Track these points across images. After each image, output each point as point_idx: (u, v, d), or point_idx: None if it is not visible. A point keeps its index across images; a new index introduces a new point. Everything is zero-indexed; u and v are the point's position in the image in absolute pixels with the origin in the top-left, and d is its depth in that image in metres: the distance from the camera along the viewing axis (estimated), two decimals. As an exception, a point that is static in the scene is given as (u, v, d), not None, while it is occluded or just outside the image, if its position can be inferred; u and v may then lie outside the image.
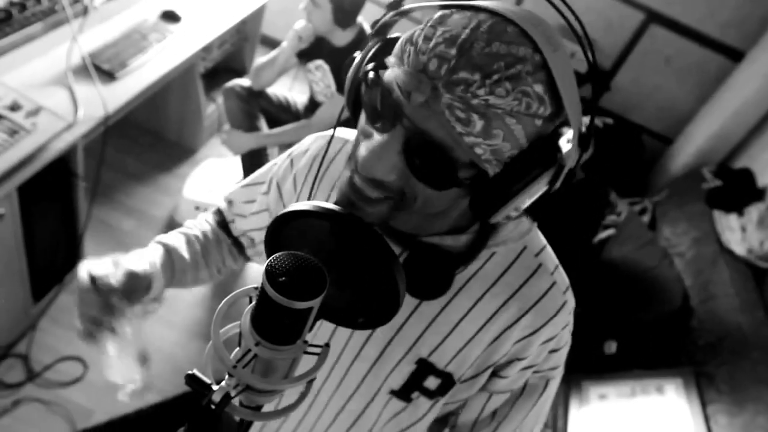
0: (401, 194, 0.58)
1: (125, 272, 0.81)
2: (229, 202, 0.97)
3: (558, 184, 0.57)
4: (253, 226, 0.93)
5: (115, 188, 2.57)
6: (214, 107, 2.86)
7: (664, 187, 2.91)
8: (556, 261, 0.75)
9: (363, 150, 0.56)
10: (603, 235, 2.62)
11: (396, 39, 0.60)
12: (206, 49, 2.47)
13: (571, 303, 0.74)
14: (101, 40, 2.07)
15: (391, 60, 0.57)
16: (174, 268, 0.91)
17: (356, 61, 0.61)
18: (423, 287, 0.64)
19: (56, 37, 2.00)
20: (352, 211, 0.57)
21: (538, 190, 0.56)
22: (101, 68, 1.95)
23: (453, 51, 0.51)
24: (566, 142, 0.56)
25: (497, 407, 0.79)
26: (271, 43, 3.09)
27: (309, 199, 0.77)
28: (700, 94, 3.06)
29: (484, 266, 0.70)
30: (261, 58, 2.37)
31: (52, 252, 1.99)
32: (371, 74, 0.57)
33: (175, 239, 0.93)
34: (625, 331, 2.23)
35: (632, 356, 2.15)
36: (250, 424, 0.60)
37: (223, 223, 0.99)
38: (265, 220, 0.90)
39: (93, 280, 0.78)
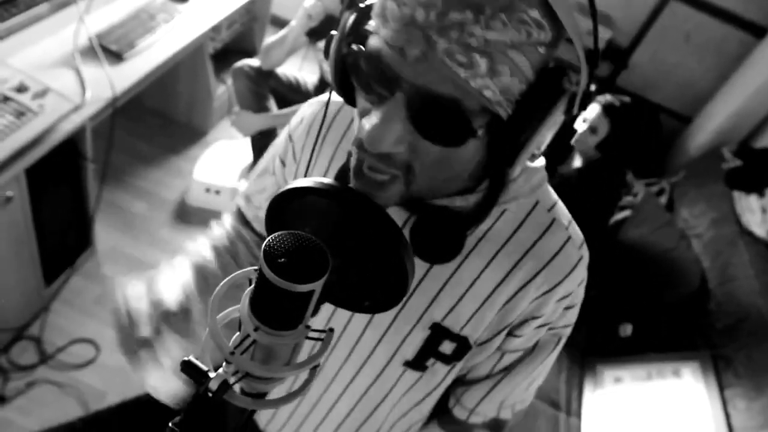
0: (409, 168, 0.55)
1: (161, 312, 0.79)
2: (247, 198, 0.94)
3: (575, 110, 0.54)
4: None
5: (125, 171, 2.57)
6: (223, 88, 2.83)
7: (682, 167, 2.84)
8: (569, 216, 0.72)
9: (366, 125, 0.53)
10: (619, 216, 2.57)
11: (370, 6, 0.56)
12: (215, 29, 2.43)
13: (586, 257, 0.72)
14: (108, 20, 2.04)
15: (372, 24, 0.53)
16: (206, 288, 0.88)
17: (335, 38, 0.57)
18: (434, 251, 0.62)
19: (63, 18, 1.97)
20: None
21: (556, 121, 0.53)
22: (109, 49, 1.93)
23: None
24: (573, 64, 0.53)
25: (508, 365, 0.79)
26: (281, 23, 3.04)
27: (309, 168, 0.74)
28: (721, 72, 2.97)
29: (496, 224, 0.67)
30: (270, 37, 2.33)
31: (62, 235, 1.99)
32: (354, 47, 0.54)
33: (205, 254, 0.90)
34: (641, 314, 2.20)
35: (648, 339, 2.11)
36: (253, 411, 0.58)
37: (245, 220, 0.96)
38: None
39: (128, 312, 0.77)
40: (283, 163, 0.83)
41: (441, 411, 0.88)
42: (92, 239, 2.14)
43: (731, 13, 2.85)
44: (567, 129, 0.55)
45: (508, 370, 0.79)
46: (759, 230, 2.20)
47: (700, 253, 2.27)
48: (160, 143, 2.75)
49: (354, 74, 0.54)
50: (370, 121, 0.52)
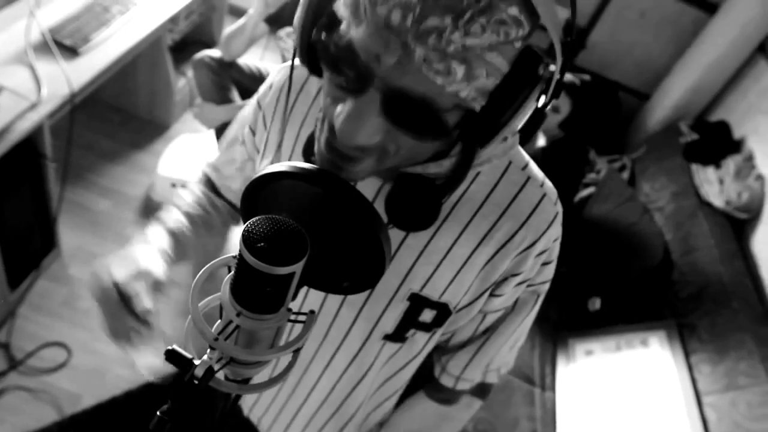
0: (383, 149, 0.55)
1: (152, 282, 0.75)
2: (215, 168, 0.93)
3: (548, 97, 0.54)
4: (243, 183, 0.89)
5: (88, 169, 2.51)
6: (184, 81, 2.78)
7: (642, 143, 2.92)
8: (542, 174, 0.73)
9: (338, 116, 0.52)
10: (584, 193, 2.63)
11: None
12: (173, 20, 2.38)
13: (561, 213, 0.73)
14: (61, 14, 1.98)
15: (341, 9, 0.51)
16: (183, 254, 0.87)
17: (301, 13, 0.54)
18: (410, 219, 0.61)
19: (12, 13, 1.91)
20: (335, 172, 0.54)
21: (528, 109, 0.53)
22: (63, 44, 1.87)
23: None
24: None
25: (490, 325, 0.79)
26: (239, 13, 3.00)
27: (280, 136, 0.74)
28: (676, 48, 3.05)
29: (470, 188, 0.68)
30: (229, 27, 2.30)
31: (25, 237, 1.94)
32: (324, 36, 0.52)
33: (178, 221, 0.88)
34: (609, 288, 2.26)
35: (616, 312, 2.17)
36: (238, 396, 0.58)
37: (214, 188, 0.95)
38: (251, 170, 0.87)
39: (119, 291, 0.72)
40: (252, 131, 0.82)
41: (427, 380, 0.89)
42: (57, 240, 2.09)
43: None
44: (538, 115, 0.55)
45: (490, 331, 0.80)
46: (717, 201, 2.27)
47: (663, 226, 2.34)
48: (121, 139, 2.69)
49: (325, 63, 0.53)
50: (343, 114, 0.51)
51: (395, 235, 0.65)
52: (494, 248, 0.69)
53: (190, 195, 0.94)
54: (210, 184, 0.95)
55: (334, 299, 0.74)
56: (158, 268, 0.77)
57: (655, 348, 1.97)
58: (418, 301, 0.71)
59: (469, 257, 0.69)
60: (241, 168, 0.88)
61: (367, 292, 0.71)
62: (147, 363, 0.75)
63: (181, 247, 0.86)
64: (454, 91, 0.48)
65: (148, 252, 0.79)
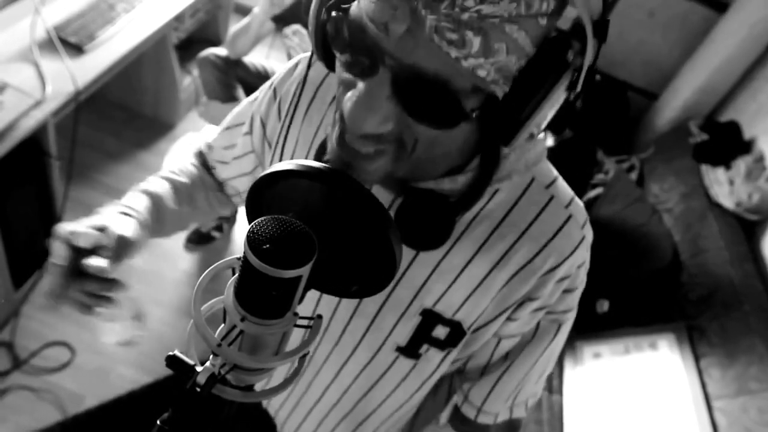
0: (400, 142, 0.51)
1: (116, 239, 0.67)
2: (209, 147, 0.89)
3: (579, 87, 0.48)
4: (236, 172, 0.86)
5: (93, 167, 2.50)
6: (190, 80, 2.77)
7: (651, 143, 2.89)
8: (571, 192, 0.68)
9: (348, 103, 0.48)
10: (592, 194, 2.60)
11: None
12: (178, 18, 2.37)
13: (590, 237, 0.68)
14: (66, 11, 1.97)
15: None
16: (160, 220, 0.81)
17: (314, 1, 0.52)
18: (421, 237, 0.58)
19: (18, 10, 1.90)
20: (348, 171, 0.51)
21: (557, 100, 0.48)
22: (68, 41, 1.86)
23: None
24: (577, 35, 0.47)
25: (508, 351, 0.75)
26: (245, 11, 2.98)
27: (298, 133, 0.70)
28: (685, 48, 3.02)
29: (487, 206, 0.64)
30: (235, 25, 2.28)
31: (30, 236, 1.93)
32: (334, 13, 0.49)
33: (160, 187, 0.83)
34: (617, 289, 2.23)
35: (625, 314, 2.15)
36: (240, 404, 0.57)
37: (206, 165, 0.91)
38: (251, 163, 0.83)
39: (77, 251, 0.64)
40: (264, 124, 0.78)
41: (452, 411, 0.85)
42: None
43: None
44: (567, 107, 0.50)
45: (509, 359, 0.75)
46: (727, 202, 2.24)
47: (672, 227, 2.31)
48: (126, 138, 2.68)
49: (334, 43, 0.50)
50: (352, 99, 0.48)
51: (406, 252, 0.62)
52: (512, 271, 0.65)
53: (180, 165, 0.89)
54: (203, 161, 0.92)
55: (346, 310, 0.71)
56: (125, 225, 0.70)
57: (664, 351, 1.94)
58: (430, 317, 0.68)
59: (485, 278, 0.65)
60: (239, 158, 0.84)
61: (377, 307, 0.69)
62: (111, 335, 0.69)
63: (158, 211, 0.80)
64: (470, 66, 0.44)
65: (116, 210, 0.73)
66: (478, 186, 0.59)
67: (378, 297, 0.67)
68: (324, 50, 0.54)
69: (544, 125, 0.51)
